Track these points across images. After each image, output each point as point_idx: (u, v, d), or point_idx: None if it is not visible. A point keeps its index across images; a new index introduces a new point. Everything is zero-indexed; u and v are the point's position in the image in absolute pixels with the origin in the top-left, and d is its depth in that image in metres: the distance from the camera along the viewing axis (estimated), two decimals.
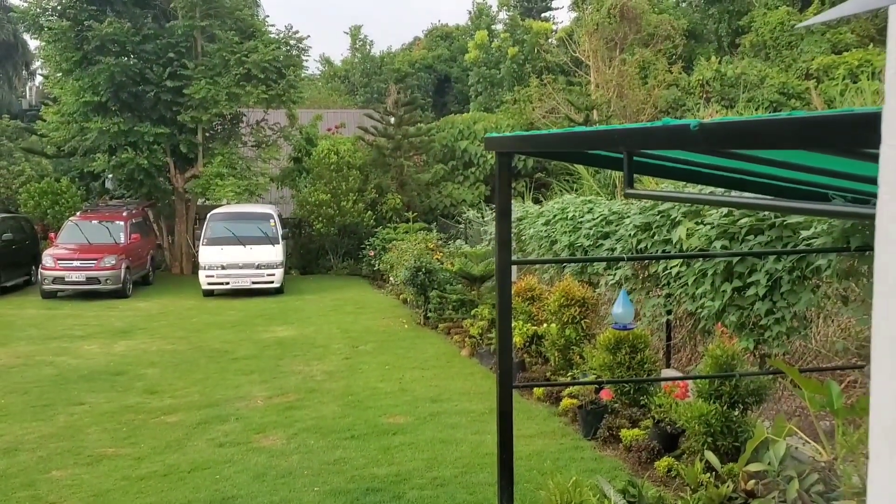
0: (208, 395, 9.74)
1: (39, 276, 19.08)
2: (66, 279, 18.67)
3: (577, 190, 18.19)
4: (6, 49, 41.78)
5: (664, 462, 6.75)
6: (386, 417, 8.63)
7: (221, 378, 10.67)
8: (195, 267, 20.70)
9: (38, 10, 21.59)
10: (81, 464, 7.31)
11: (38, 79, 42.96)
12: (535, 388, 9.31)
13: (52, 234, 21.18)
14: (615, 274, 10.26)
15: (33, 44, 32.54)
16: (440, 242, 19.19)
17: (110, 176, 23.58)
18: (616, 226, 10.47)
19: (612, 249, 10.36)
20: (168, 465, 7.25)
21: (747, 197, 4.48)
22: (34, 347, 12.88)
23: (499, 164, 5.71)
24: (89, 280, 18.65)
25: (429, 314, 14.47)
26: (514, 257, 14.44)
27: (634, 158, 3.02)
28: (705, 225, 7.99)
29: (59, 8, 21.62)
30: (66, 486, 6.76)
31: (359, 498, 6.35)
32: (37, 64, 39.99)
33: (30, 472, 7.09)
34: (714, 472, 5.94)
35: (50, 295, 18.76)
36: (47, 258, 18.86)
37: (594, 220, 11.06)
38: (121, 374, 10.95)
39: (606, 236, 10.72)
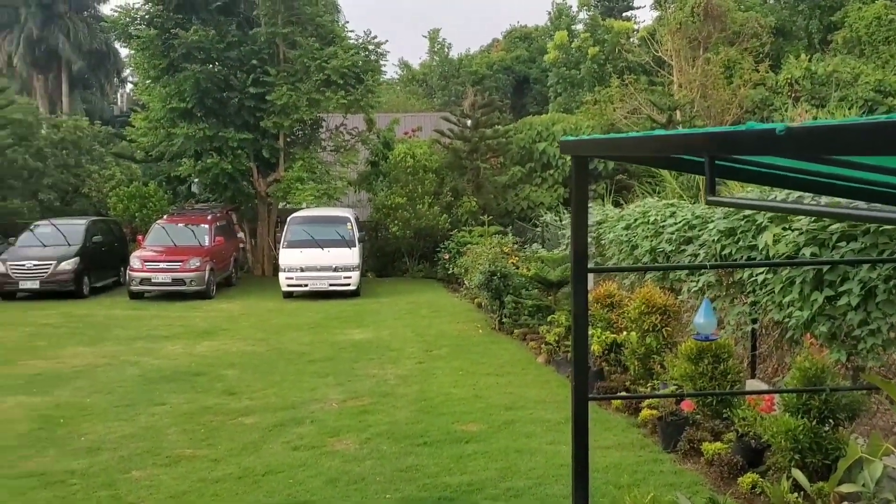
0: (285, 397, 9.83)
1: (127, 278, 19.72)
2: (153, 280, 19.24)
3: (659, 193, 17.73)
4: (99, 58, 43.53)
5: (748, 478, 6.45)
6: (459, 424, 8.53)
7: (298, 380, 10.77)
8: (276, 269, 21.04)
9: (127, 19, 22.38)
10: (160, 464, 7.45)
11: (128, 86, 44.60)
12: (613, 399, 9.06)
13: (139, 237, 21.89)
14: (698, 280, 9.92)
15: (124, 52, 33.80)
16: (516, 246, 19.00)
17: (196, 180, 24.24)
18: (699, 230, 10.13)
19: (695, 255, 10.03)
20: (243, 467, 7.32)
21: (838, 206, 4.20)
22: (120, 347, 13.29)
23: (574, 167, 5.53)
24: (175, 281, 19.18)
25: (504, 319, 14.31)
26: (591, 263, 14.19)
27: (717, 162, 2.84)
28: (793, 230, 7.63)
29: (147, 17, 22.36)
30: (145, 486, 6.89)
31: None
32: (127, 72, 41.51)
33: (111, 471, 7.26)
34: (802, 492, 5.62)
35: (137, 296, 19.38)
36: (135, 260, 19.50)
37: (676, 224, 10.73)
38: (201, 375, 11.17)
39: (689, 241, 10.38)
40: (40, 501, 6.53)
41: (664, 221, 11.13)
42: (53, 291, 19.32)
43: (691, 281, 10.09)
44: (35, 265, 19.33)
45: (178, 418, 9.00)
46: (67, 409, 9.47)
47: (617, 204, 17.62)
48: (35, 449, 7.93)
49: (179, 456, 7.68)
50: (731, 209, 9.09)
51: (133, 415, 9.18)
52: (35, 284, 19.24)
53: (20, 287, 19.33)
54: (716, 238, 9.26)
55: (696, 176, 16.74)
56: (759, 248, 8.21)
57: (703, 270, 9.63)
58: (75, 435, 8.40)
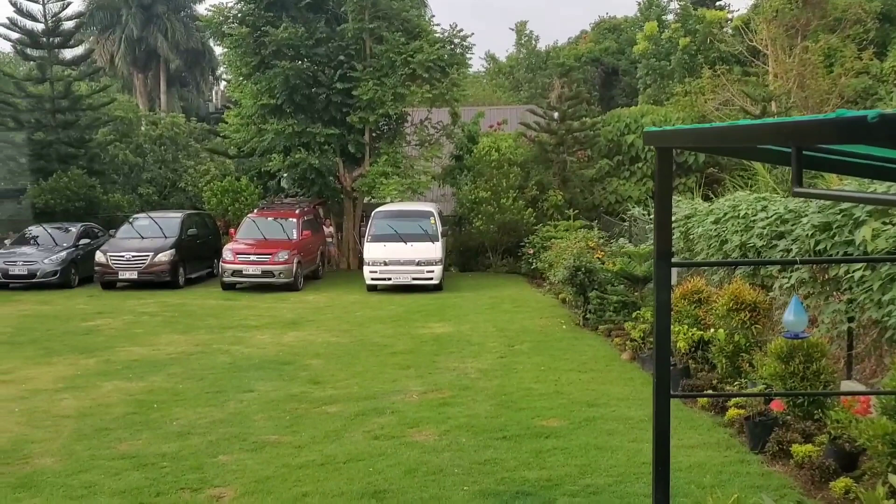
0: (367, 388, 9.96)
1: (220, 269, 20.36)
2: (244, 272, 19.81)
3: (751, 186, 17.15)
4: (195, 56, 45.08)
5: (841, 483, 6.17)
6: (539, 420, 8.46)
7: (380, 371, 10.89)
8: (361, 263, 21.34)
9: (221, 18, 23.05)
10: (246, 450, 7.65)
11: (223, 84, 46.00)
12: (699, 398, 8.83)
13: (231, 230, 22.57)
14: (790, 277, 9.55)
15: (218, 50, 34.81)
16: (601, 241, 18.71)
17: (285, 175, 24.80)
18: (792, 225, 9.75)
19: (787, 251, 9.65)
20: (325, 455, 7.45)
21: None
22: (212, 336, 13.73)
23: (658, 159, 5.38)
24: (264, 273, 19.69)
25: (588, 315, 14.11)
26: (679, 258, 13.85)
27: (805, 152, 2.70)
28: (894, 225, 7.24)
29: (239, 15, 22.99)
30: (231, 470, 7.09)
31: (508, 501, 6.24)
32: (221, 69, 42.83)
33: (199, 455, 7.51)
34: None
35: (229, 287, 19.99)
36: (227, 252, 20.12)
37: (768, 218, 10.36)
38: (288, 364, 11.43)
39: (781, 236, 10.01)
40: (132, 482, 6.80)
41: (755, 215, 10.76)
42: (150, 282, 20.14)
43: (783, 277, 9.72)
44: (133, 256, 20.19)
45: (265, 405, 9.23)
46: (161, 394, 9.84)
47: (707, 198, 17.13)
48: (129, 432, 8.27)
49: (265, 442, 7.88)
50: (826, 203, 8.71)
51: (222, 401, 9.46)
52: (133, 275, 20.09)
53: (119, 277, 20.23)
54: (809, 233, 8.89)
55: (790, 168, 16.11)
56: (857, 244, 7.84)
57: (795, 267, 9.26)
58: (167, 419, 8.72)
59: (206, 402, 9.45)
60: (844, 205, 8.12)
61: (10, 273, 20.33)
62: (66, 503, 6.34)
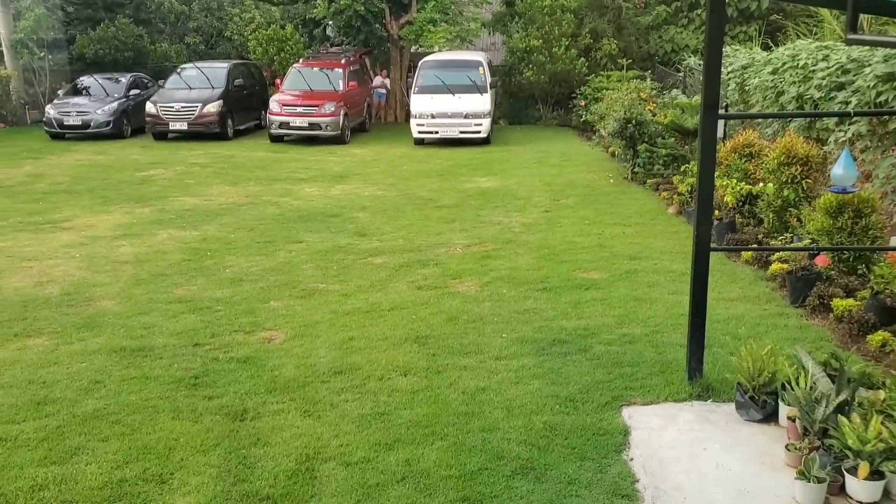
0: (412, 241, 10.13)
1: (267, 121, 20.41)
2: (291, 125, 19.83)
3: (815, 35, 16.28)
4: None
5: (878, 336, 6.21)
6: (581, 272, 8.57)
7: (425, 225, 11.03)
8: (408, 115, 21.15)
9: None
10: (295, 296, 7.95)
11: None
12: (743, 251, 8.80)
13: (277, 80, 22.42)
14: (847, 130, 9.23)
15: None
16: (654, 92, 18.16)
17: (330, 23, 24.26)
18: (854, 76, 9.32)
19: (846, 103, 9.28)
20: (371, 302, 7.70)
21: None
22: (261, 188, 13.97)
23: (710, 3, 5.15)
24: (311, 126, 19.69)
25: (636, 169, 13.92)
26: (733, 110, 13.42)
27: None
28: None
29: None
30: (281, 315, 7.40)
31: (545, 348, 6.43)
32: None
33: (251, 300, 7.83)
34: None
35: (277, 139, 20.10)
36: (273, 104, 20.09)
37: (829, 68, 9.90)
38: (335, 217, 11.63)
39: (841, 87, 9.60)
40: (188, 324, 7.17)
41: (815, 65, 10.30)
42: (200, 133, 20.34)
43: (839, 131, 9.40)
44: (182, 107, 20.32)
45: (313, 255, 9.49)
46: (213, 242, 10.17)
47: (767, 47, 16.37)
48: (184, 277, 8.63)
49: (313, 290, 8.16)
50: (892, 52, 8.27)
51: (272, 250, 9.75)
52: (183, 126, 20.29)
53: (170, 128, 20.45)
54: (871, 84, 8.50)
55: (863, 16, 15.17)
56: None
57: (853, 120, 8.92)
58: (220, 266, 9.05)
59: (256, 251, 9.74)
60: None
61: (66, 123, 20.70)
62: (127, 342, 6.74)
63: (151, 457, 4.85)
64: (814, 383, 4.83)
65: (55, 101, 21.67)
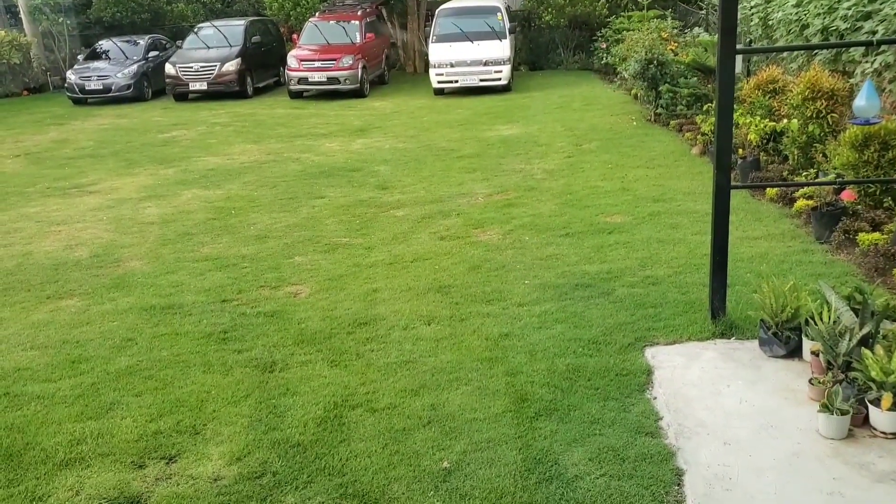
0: (433, 192, 10.14)
1: (286, 77, 20.34)
2: (310, 80, 19.74)
3: None
4: None
5: None
6: (603, 216, 8.54)
7: (446, 175, 11.02)
8: (427, 66, 20.96)
9: None
10: (319, 251, 8.02)
11: None
12: (767, 189, 8.69)
13: (294, 36, 22.27)
14: (873, 61, 9.01)
15: None
16: (676, 31, 17.80)
17: None
18: (881, 4, 9.06)
19: (873, 33, 9.04)
20: (394, 254, 7.76)
21: None
22: (282, 145, 14.00)
23: None
24: (330, 80, 19.59)
25: (659, 110, 13.73)
26: (757, 45, 13.13)
27: None
28: None
29: None
30: (306, 269, 7.49)
31: (567, 293, 6.45)
32: None
33: (276, 256, 7.92)
34: None
35: (296, 95, 20.05)
36: (291, 59, 19.99)
37: None
38: (357, 171, 11.65)
39: (868, 17, 9.35)
40: (216, 281, 7.28)
41: None
42: (220, 92, 20.35)
43: (865, 62, 9.18)
44: (201, 67, 20.30)
45: (336, 210, 9.54)
46: (237, 200, 10.25)
47: None
48: (210, 236, 8.73)
49: (336, 244, 8.22)
50: None
51: (295, 207, 9.81)
52: (203, 86, 20.29)
53: (190, 88, 20.47)
54: None
55: None
56: None
57: (880, 49, 8.70)
58: (245, 224, 9.14)
59: (280, 208, 9.81)
60: None
61: (87, 88, 20.81)
62: (156, 300, 6.87)
63: (184, 409, 4.98)
64: (837, 317, 4.81)
65: (75, 67, 21.75)
